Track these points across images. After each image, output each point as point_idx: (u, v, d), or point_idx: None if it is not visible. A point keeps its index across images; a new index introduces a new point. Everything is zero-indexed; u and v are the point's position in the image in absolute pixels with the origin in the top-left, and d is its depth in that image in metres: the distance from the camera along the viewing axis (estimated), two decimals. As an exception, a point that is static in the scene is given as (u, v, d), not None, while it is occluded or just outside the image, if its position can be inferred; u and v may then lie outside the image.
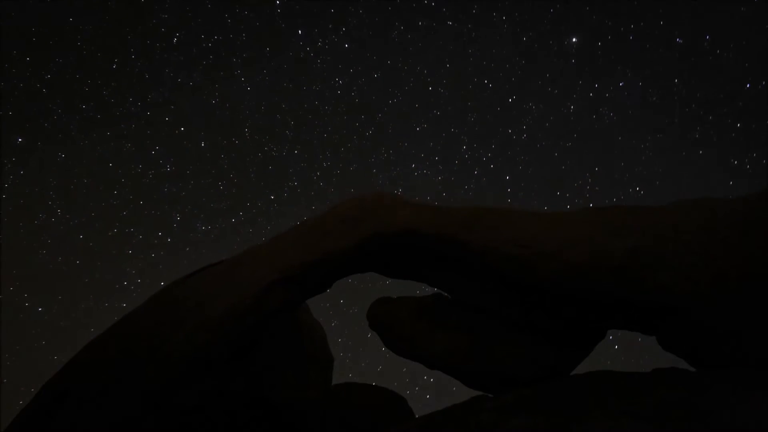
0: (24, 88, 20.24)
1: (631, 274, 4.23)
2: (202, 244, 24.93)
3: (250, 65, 23.78)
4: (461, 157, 26.59)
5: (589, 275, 4.45)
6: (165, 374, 5.00)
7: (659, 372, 4.11)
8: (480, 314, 5.82)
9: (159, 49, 21.85)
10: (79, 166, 22.26)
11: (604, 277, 4.35)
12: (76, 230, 22.46)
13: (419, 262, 6.23)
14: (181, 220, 24.36)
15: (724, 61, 20.26)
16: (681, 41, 20.52)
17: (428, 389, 25.18)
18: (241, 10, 22.19)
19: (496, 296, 5.58)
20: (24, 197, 21.47)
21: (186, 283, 6.57)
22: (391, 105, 25.73)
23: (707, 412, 2.92)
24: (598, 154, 24.81)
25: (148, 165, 23.48)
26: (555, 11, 22.11)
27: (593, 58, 22.79)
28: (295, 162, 26.17)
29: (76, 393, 5.04)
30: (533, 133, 25.32)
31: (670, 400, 3.25)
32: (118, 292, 23.29)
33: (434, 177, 26.92)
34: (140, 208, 23.54)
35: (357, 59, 24.69)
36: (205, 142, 24.25)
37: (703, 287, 3.93)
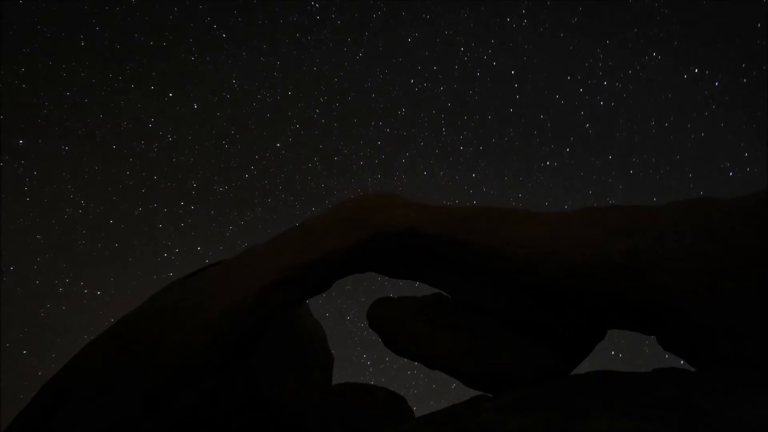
0: (3, 88, 19.84)
1: (631, 274, 4.23)
2: (224, 204, 25.05)
3: (218, 8, 21.97)
4: (461, 61, 24.54)
5: (588, 275, 4.45)
6: (165, 374, 5.00)
7: (659, 372, 4.11)
8: (480, 314, 5.81)
9: (121, 13, 20.67)
10: (86, 155, 22.32)
11: (603, 277, 4.35)
12: (105, 216, 22.91)
13: (419, 262, 6.22)
14: (198, 186, 24.51)
15: None
16: None
17: (428, 389, 25.16)
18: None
19: (496, 296, 5.58)
20: (46, 196, 21.84)
21: (185, 284, 6.57)
22: (375, 19, 23.53)
23: (707, 412, 2.92)
24: (607, 25, 21.88)
25: (149, 139, 23.25)
26: None
27: None
28: (291, 104, 25.01)
29: (77, 393, 5.04)
30: (534, 17, 22.62)
31: (670, 400, 3.25)
32: (162, 264, 23.86)
33: (436, 89, 25.37)
34: (156, 182, 23.64)
35: (329, -25, 22.07)
36: (197, 103, 23.61)
37: (702, 287, 3.93)
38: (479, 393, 5.36)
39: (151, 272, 23.87)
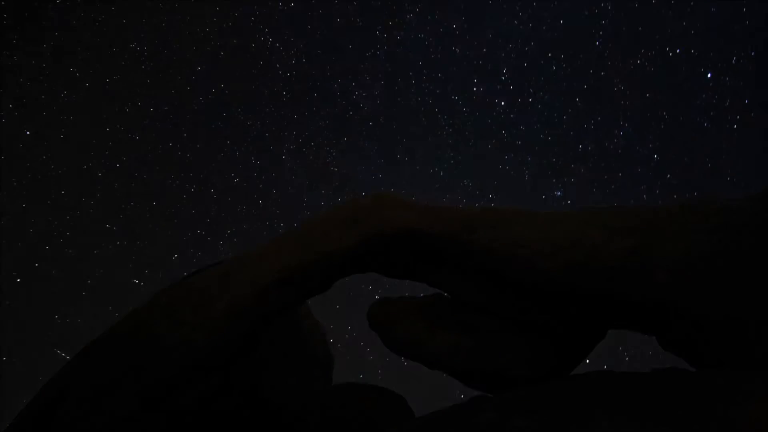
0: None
1: (631, 274, 4.23)
2: (235, 163, 24.87)
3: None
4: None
5: (588, 275, 4.45)
6: (165, 375, 5.00)
7: (659, 372, 4.10)
8: (480, 314, 5.81)
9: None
10: (89, 137, 22.31)
11: (603, 277, 4.36)
12: (128, 196, 23.21)
13: (419, 262, 6.23)
14: (201, 147, 24.53)
15: None
16: None
17: (428, 389, 25.07)
18: None
19: (497, 296, 5.58)
20: (69, 187, 22.17)
21: (185, 284, 6.57)
22: None
23: (707, 412, 2.92)
24: None
25: (143, 114, 23.01)
26: None
27: None
28: (274, 46, 24.01)
29: (76, 393, 5.05)
30: None
31: (670, 400, 3.25)
32: (199, 233, 24.08)
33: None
34: (164, 154, 23.74)
35: None
36: (181, 72, 23.15)
37: (702, 287, 3.93)
38: (479, 393, 5.36)
39: (187, 244, 24.34)
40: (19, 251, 21.32)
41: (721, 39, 20.29)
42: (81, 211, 22.40)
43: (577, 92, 24.07)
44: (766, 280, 3.80)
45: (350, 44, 24.64)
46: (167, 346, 5.20)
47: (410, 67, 25.14)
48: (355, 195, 7.04)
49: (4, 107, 19.81)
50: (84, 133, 22.12)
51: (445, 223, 5.68)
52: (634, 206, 5.20)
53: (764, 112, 19.65)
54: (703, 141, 21.91)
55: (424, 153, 27.16)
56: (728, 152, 21.22)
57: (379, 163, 27.01)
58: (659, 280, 4.10)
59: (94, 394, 4.94)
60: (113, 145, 22.81)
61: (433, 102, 25.96)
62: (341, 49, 24.66)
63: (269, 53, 24.49)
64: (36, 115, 20.95)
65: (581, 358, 5.45)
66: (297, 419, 6.70)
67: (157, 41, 22.56)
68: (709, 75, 21.08)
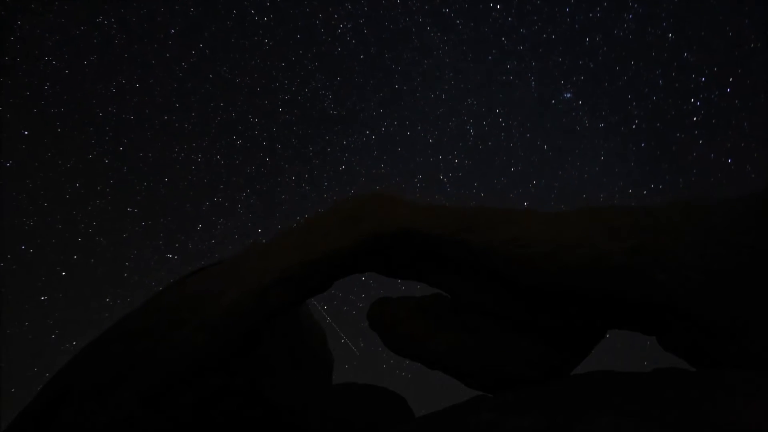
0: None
1: (631, 274, 4.23)
2: (234, 124, 24.96)
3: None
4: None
5: (588, 275, 4.45)
6: (165, 374, 5.01)
7: (659, 372, 4.10)
8: (480, 314, 5.81)
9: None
10: (85, 125, 22.37)
11: (603, 277, 4.35)
12: (139, 177, 23.43)
13: (419, 262, 6.23)
14: (196, 114, 24.56)
15: None
16: None
17: (428, 389, 25.04)
18: None
19: (496, 296, 5.58)
20: (82, 179, 22.30)
21: (186, 283, 6.57)
22: None
23: (707, 412, 2.92)
24: None
25: (131, 91, 22.83)
26: None
27: None
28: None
29: (78, 392, 5.05)
30: None
31: (670, 400, 3.25)
32: (216, 200, 24.14)
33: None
34: (161, 128, 23.91)
35: None
36: (156, 39, 22.79)
37: (702, 287, 3.93)
38: (479, 393, 5.36)
39: (218, 214, 24.34)
40: (54, 247, 21.38)
41: None
42: (100, 200, 22.53)
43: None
44: (766, 280, 3.80)
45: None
46: (168, 346, 5.21)
47: None
48: (355, 194, 7.02)
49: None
50: (79, 123, 22.20)
51: (444, 223, 5.69)
52: (634, 206, 5.20)
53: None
54: (723, 8, 19.02)
55: (423, 78, 25.34)
56: (750, 15, 18.27)
57: (378, 98, 25.78)
58: (659, 281, 4.10)
59: (96, 394, 4.94)
60: (110, 129, 22.82)
61: (424, 19, 24.24)
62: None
63: (241, -1, 23.57)
64: (28, 113, 20.99)
65: (581, 357, 5.44)
66: (297, 419, 6.70)
67: (122, 10, 22.05)
68: None
